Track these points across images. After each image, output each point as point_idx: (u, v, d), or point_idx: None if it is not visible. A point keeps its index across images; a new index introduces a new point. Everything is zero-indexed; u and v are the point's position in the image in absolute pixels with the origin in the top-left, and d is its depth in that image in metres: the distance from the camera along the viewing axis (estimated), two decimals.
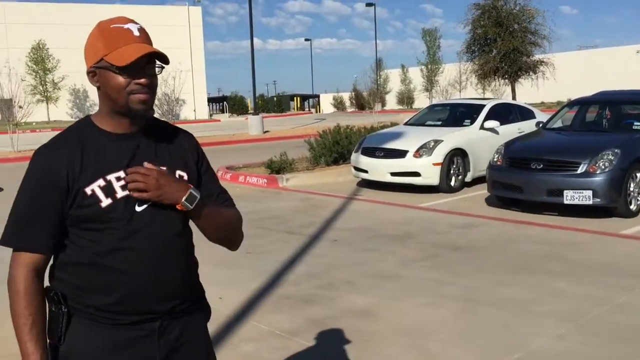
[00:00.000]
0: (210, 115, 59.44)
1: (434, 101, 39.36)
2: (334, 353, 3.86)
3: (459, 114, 11.30)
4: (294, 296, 5.00)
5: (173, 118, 26.81)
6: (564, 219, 7.59)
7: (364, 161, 10.26)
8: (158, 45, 1.66)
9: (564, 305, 4.61)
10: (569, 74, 47.01)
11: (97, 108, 1.76)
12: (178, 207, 1.66)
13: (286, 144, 18.46)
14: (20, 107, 38.12)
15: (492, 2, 22.11)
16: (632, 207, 7.57)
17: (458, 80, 51.03)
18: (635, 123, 8.53)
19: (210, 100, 72.01)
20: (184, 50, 51.37)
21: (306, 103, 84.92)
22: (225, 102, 70.57)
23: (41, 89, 43.73)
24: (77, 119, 1.82)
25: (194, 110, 52.80)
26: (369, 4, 57.61)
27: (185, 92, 47.53)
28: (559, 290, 4.96)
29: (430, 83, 62.17)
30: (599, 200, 7.33)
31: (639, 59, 50.06)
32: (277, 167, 11.85)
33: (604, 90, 10.15)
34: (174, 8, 54.80)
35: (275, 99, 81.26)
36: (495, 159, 8.42)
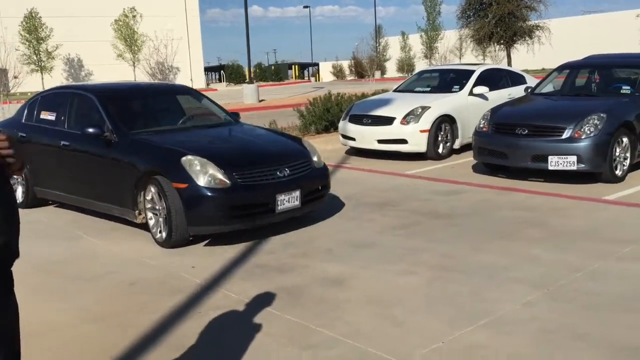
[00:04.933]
0: (208, 84, 58.95)
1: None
2: (298, 320, 3.83)
3: (448, 80, 11.12)
4: (267, 265, 4.97)
5: None
6: (549, 185, 7.52)
7: (352, 129, 10.15)
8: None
9: (537, 271, 4.57)
10: (569, 40, 46.42)
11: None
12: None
13: (280, 112, 18.25)
14: (15, 77, 37.79)
15: None
16: (618, 172, 7.50)
17: (457, 47, 50.44)
18: (624, 87, 8.39)
19: (208, 69, 71.28)
20: (179, 18, 50.65)
21: (305, 72, 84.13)
22: (222, 71, 69.91)
23: (35, 58, 43.22)
24: None
25: (191, 80, 52.19)
26: None
27: (180, 61, 47.08)
28: (534, 257, 4.91)
29: (429, 50, 61.46)
30: (583, 165, 7.24)
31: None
32: None
33: (594, 54, 9.97)
34: None
35: (272, 67, 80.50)
36: (481, 125, 8.32)
